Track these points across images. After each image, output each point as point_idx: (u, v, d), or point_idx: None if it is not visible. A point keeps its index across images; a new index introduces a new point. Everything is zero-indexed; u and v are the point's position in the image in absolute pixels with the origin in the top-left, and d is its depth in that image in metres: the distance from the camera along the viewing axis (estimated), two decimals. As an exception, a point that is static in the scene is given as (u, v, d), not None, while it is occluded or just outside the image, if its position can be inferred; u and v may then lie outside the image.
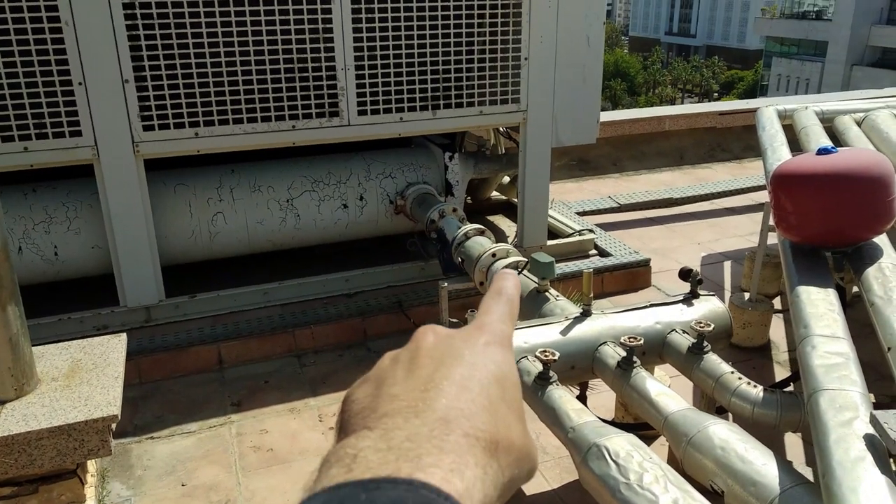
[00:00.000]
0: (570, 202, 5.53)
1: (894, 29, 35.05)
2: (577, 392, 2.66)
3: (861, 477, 1.63)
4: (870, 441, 1.73)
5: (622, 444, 1.96)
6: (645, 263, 4.41)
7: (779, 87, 43.02)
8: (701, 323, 2.62)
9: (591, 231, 4.67)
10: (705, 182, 6.20)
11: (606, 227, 5.04)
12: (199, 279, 3.94)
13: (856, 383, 1.97)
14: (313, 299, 3.97)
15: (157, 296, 3.70)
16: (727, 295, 4.22)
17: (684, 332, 2.66)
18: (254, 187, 3.92)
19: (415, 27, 3.68)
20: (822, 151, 2.79)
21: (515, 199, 4.54)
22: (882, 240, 2.82)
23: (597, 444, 1.98)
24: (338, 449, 0.38)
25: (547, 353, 2.36)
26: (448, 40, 3.77)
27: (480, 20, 3.81)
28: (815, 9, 44.87)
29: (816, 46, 40.24)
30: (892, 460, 1.71)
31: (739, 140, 7.06)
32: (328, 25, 3.53)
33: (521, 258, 3.20)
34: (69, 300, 3.71)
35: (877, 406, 1.95)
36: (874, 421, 1.77)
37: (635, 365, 2.44)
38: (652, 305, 2.78)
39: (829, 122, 4.20)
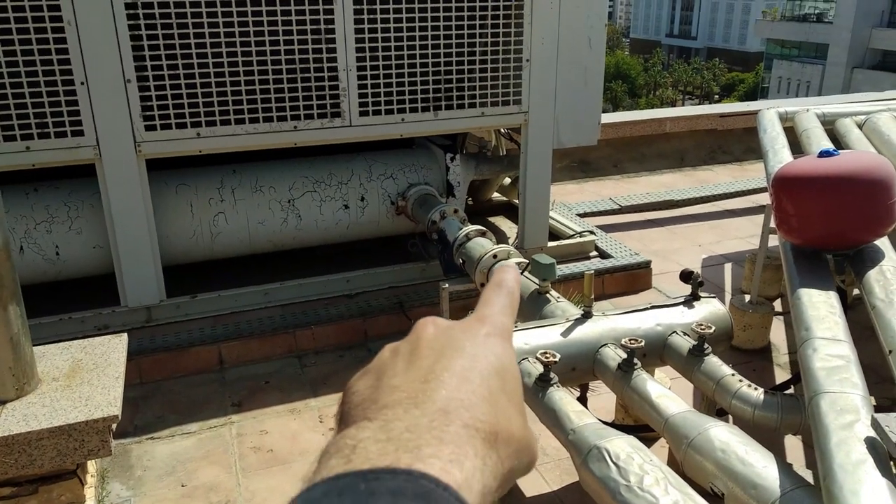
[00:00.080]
0: (570, 204, 5.53)
1: (895, 32, 35.05)
2: (577, 394, 2.67)
3: (862, 480, 1.62)
4: (871, 444, 1.73)
5: (622, 446, 1.96)
6: (646, 265, 4.41)
7: (779, 90, 43.01)
8: (702, 325, 2.62)
9: (591, 233, 4.67)
10: (706, 184, 6.20)
11: (607, 228, 5.04)
12: (200, 279, 3.95)
13: (857, 386, 1.97)
14: (314, 300, 3.97)
15: (159, 296, 3.70)
16: (728, 297, 4.22)
17: (685, 334, 2.66)
18: (255, 188, 3.92)
19: (417, 28, 3.68)
20: (824, 154, 2.79)
21: (516, 201, 4.54)
22: (883, 242, 2.82)
23: (597, 446, 1.98)
24: (337, 440, 0.38)
25: (548, 355, 2.36)
26: (450, 41, 3.78)
27: (482, 21, 3.82)
28: (816, 11, 44.90)
29: (817, 49, 40.23)
30: (893, 463, 1.71)
31: (740, 142, 7.06)
32: (330, 26, 3.54)
33: (522, 259, 3.20)
34: (70, 300, 3.71)
35: (878, 409, 1.95)
36: (875, 424, 1.77)
37: (636, 367, 2.43)
38: (653, 307, 2.78)
39: (830, 125, 4.20)
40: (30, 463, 2.01)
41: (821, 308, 2.40)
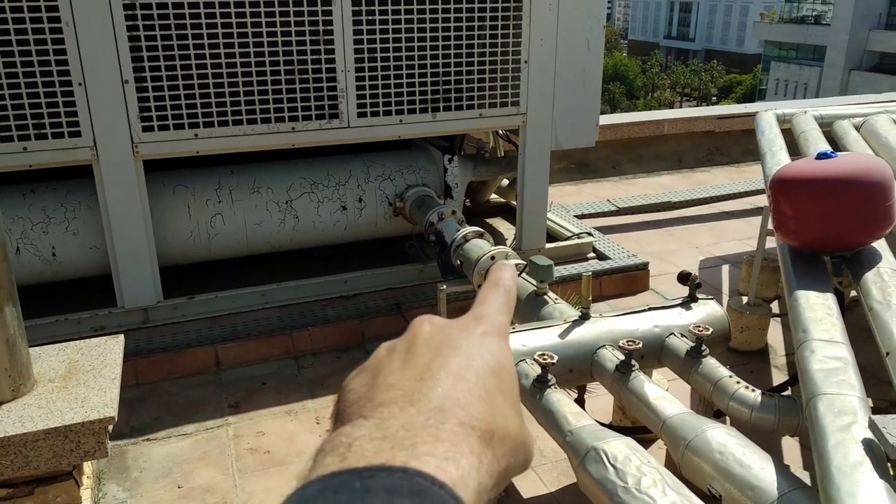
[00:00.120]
0: (568, 205, 5.53)
1: (893, 34, 35.09)
2: (575, 395, 2.67)
3: (859, 482, 1.62)
4: (868, 446, 1.73)
5: (620, 448, 1.96)
6: (643, 267, 4.42)
7: (777, 92, 43.08)
8: (699, 327, 2.62)
9: (589, 234, 4.67)
10: (704, 186, 6.20)
11: (605, 230, 5.04)
12: (198, 280, 3.94)
13: (854, 388, 1.97)
14: (311, 301, 3.97)
15: (155, 297, 3.69)
16: (725, 299, 4.22)
17: (682, 335, 2.66)
18: (253, 189, 3.92)
19: (415, 29, 3.68)
20: (822, 156, 2.79)
21: (514, 202, 4.54)
22: (881, 244, 2.82)
23: (595, 448, 1.98)
24: (333, 437, 0.38)
25: (545, 357, 2.36)
26: (448, 43, 3.78)
27: (481, 23, 3.82)
28: (814, 13, 44.95)
29: (815, 51, 40.31)
30: (890, 465, 1.71)
31: (738, 144, 7.07)
32: (328, 27, 3.54)
33: (519, 261, 3.20)
34: (67, 301, 3.70)
35: (875, 410, 1.95)
36: (873, 426, 1.77)
37: (633, 368, 2.43)
38: (650, 309, 2.78)
39: (827, 127, 4.21)
40: (26, 464, 2.00)
41: (818, 310, 2.40)
